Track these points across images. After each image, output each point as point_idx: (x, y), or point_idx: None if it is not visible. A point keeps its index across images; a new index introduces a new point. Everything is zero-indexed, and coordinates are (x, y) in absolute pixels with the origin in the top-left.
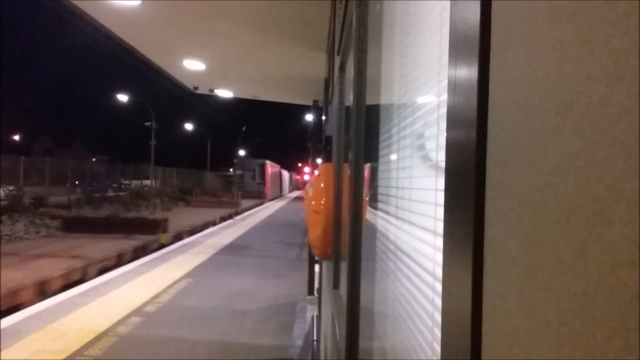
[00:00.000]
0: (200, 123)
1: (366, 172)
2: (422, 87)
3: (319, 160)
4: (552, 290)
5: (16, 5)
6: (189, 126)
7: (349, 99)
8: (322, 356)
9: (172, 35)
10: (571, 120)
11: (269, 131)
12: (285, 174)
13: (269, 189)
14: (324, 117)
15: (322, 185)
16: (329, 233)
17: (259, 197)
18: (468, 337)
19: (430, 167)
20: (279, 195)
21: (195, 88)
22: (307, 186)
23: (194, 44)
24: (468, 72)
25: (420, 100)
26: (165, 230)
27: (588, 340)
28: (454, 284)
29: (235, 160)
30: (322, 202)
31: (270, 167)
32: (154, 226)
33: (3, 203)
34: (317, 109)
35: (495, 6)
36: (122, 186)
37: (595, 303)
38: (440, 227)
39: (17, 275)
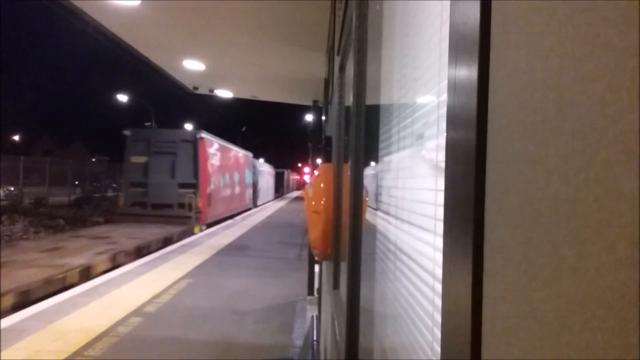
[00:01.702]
0: (200, 123)
1: (366, 172)
2: (422, 87)
3: (318, 161)
4: (552, 290)
5: (16, 5)
6: (189, 126)
7: (349, 99)
8: (322, 356)
9: (171, 36)
10: (571, 120)
11: (270, 131)
12: (265, 167)
13: (208, 201)
14: (323, 117)
15: (322, 185)
16: (328, 233)
17: (183, 219)
18: (468, 337)
19: (430, 167)
20: (247, 208)
21: (195, 88)
22: (307, 186)
23: (194, 44)
24: (468, 72)
25: (420, 100)
26: None
27: (588, 341)
28: (454, 284)
29: (126, 133)
30: (322, 202)
31: (220, 151)
32: None
33: (3, 203)
34: (317, 109)
35: (495, 6)
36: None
37: (595, 303)
38: (440, 227)
39: None
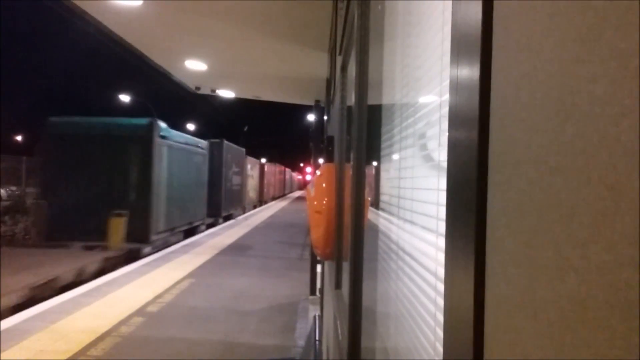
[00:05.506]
0: (201, 123)
1: (368, 172)
2: (424, 86)
3: (321, 160)
4: (554, 290)
5: (16, 5)
6: (190, 126)
7: (351, 99)
8: (324, 356)
9: (173, 36)
10: (573, 120)
11: (272, 131)
12: None
13: None
14: (325, 117)
15: (323, 185)
16: (330, 233)
17: None
18: (470, 337)
19: (432, 167)
20: None
21: (197, 88)
22: (309, 186)
23: (196, 44)
24: (470, 72)
25: (422, 100)
26: None
27: (590, 341)
28: (456, 283)
29: None
30: (324, 202)
31: None
32: None
33: (5, 203)
34: (318, 109)
35: (496, 6)
36: None
37: (597, 303)
38: (442, 227)
39: None
